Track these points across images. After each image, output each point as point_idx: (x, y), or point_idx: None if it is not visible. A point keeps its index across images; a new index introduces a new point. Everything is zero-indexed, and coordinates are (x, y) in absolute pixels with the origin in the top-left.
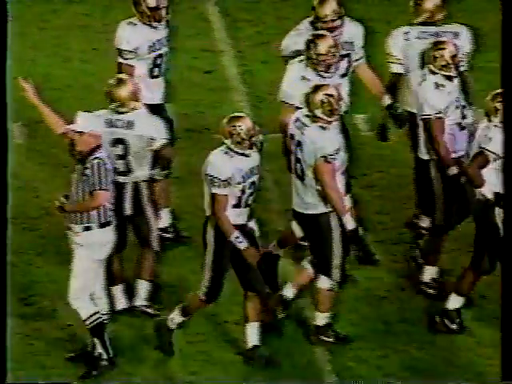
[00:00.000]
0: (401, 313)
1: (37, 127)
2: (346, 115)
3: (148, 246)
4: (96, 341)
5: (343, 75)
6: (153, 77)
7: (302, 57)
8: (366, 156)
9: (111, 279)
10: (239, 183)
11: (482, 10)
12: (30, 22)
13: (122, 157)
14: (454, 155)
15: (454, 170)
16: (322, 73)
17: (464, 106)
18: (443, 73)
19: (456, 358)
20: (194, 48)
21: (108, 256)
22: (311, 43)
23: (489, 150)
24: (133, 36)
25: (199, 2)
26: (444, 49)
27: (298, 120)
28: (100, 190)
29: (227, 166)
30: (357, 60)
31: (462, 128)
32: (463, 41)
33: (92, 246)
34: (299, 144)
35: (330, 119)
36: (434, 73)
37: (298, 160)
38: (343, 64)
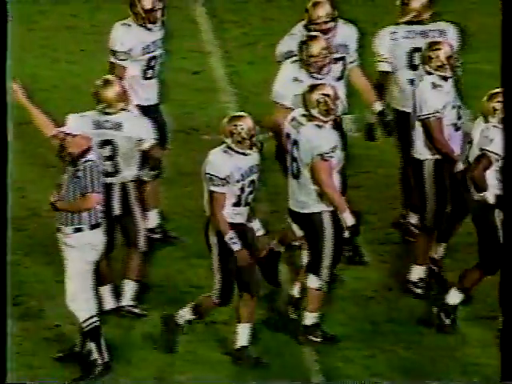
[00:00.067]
0: (388, 313)
1: (24, 128)
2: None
3: (135, 247)
4: (92, 345)
5: (339, 78)
6: (146, 78)
7: (295, 57)
8: (354, 156)
9: (99, 280)
10: (238, 181)
11: (467, 11)
12: (17, 22)
13: (110, 158)
14: None
15: (460, 166)
16: (314, 74)
17: (460, 107)
18: (439, 73)
19: (443, 358)
20: (182, 49)
21: (99, 257)
22: (303, 44)
23: (491, 151)
24: (127, 37)
25: (187, 3)
26: (439, 49)
27: (294, 119)
28: (92, 192)
29: (226, 165)
30: (351, 62)
31: (458, 129)
32: (450, 39)
33: (83, 248)
34: (295, 143)
35: (325, 119)
36: (429, 73)
37: (294, 159)
38: (338, 67)
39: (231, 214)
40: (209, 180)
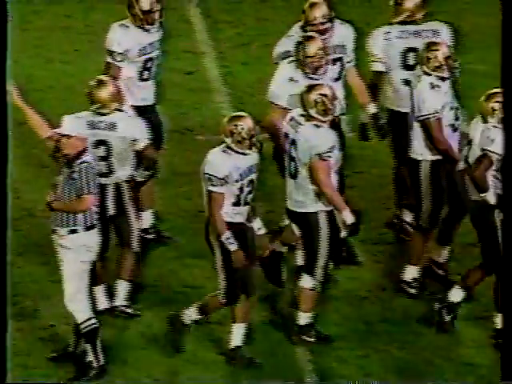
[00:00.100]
0: (382, 313)
1: (18, 128)
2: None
3: (128, 247)
4: (88, 347)
5: (336, 79)
6: (142, 80)
7: (291, 58)
8: (348, 156)
9: (93, 279)
10: (237, 181)
11: (461, 11)
12: (11, 22)
13: (104, 158)
14: None
15: (461, 165)
16: (310, 75)
17: (457, 108)
18: (437, 74)
19: (437, 358)
20: (176, 49)
21: (95, 258)
22: (300, 45)
23: (492, 152)
24: (124, 38)
25: (181, 3)
26: (437, 50)
27: (292, 119)
28: (88, 193)
29: (225, 165)
30: (347, 62)
31: (455, 130)
32: (443, 39)
33: (79, 249)
34: (293, 143)
35: (323, 119)
36: (427, 74)
37: (292, 159)
38: (336, 68)
39: (231, 213)
40: (207, 180)
